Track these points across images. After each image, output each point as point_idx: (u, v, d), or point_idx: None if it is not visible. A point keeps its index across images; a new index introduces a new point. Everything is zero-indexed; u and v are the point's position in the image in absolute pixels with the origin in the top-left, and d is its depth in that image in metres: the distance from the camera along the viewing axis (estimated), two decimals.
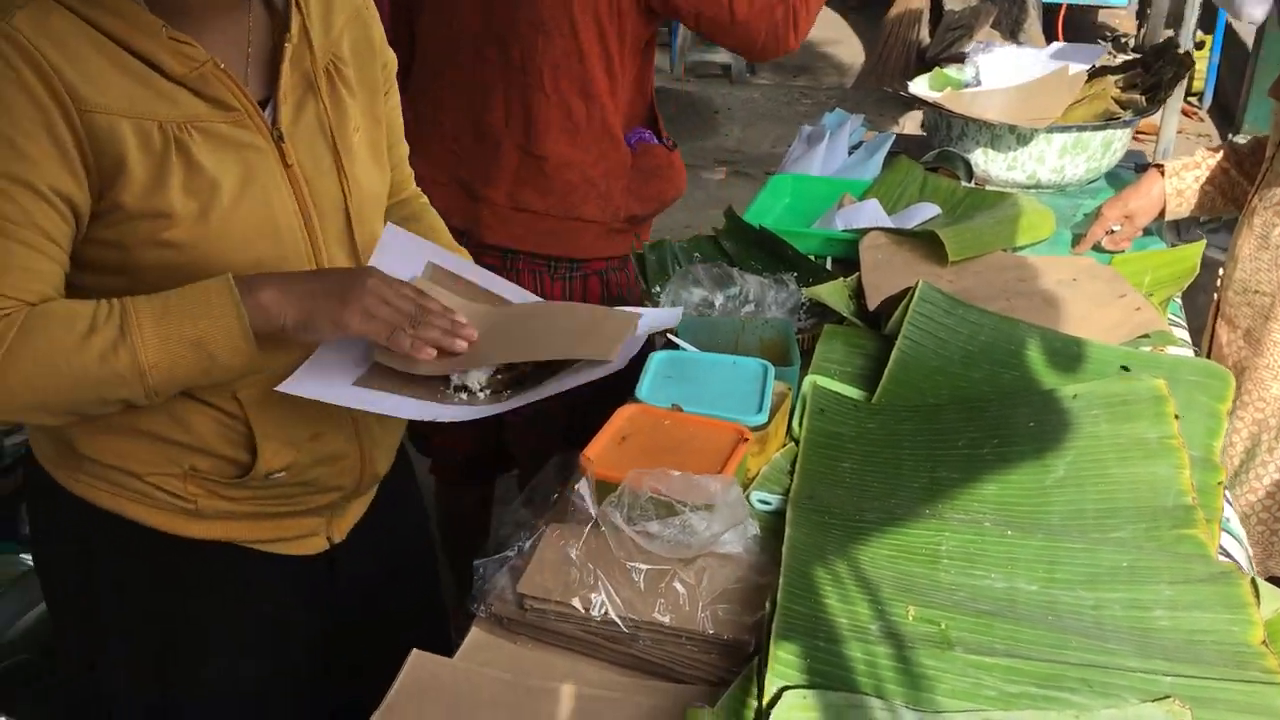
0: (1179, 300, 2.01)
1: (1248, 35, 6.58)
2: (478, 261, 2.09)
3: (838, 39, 8.47)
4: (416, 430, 2.12)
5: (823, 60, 8.26)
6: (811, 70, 8.12)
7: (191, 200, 1.15)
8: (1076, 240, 2.16)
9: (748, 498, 1.34)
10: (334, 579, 1.46)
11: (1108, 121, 2.41)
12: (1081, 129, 2.38)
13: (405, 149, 1.50)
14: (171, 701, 1.38)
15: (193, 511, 1.30)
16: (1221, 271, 2.06)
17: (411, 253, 1.35)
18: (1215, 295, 2.09)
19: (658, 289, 1.95)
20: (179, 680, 1.38)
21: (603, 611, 1.17)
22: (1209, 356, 2.02)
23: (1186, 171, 2.06)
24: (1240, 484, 1.93)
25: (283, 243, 1.22)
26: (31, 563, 2.08)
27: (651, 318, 1.39)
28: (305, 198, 1.24)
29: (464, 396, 1.27)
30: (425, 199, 1.57)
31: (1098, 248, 2.12)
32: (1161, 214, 2.09)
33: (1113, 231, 2.11)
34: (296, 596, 1.42)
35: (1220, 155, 2.05)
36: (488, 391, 1.27)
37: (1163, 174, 2.08)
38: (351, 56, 1.32)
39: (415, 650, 1.18)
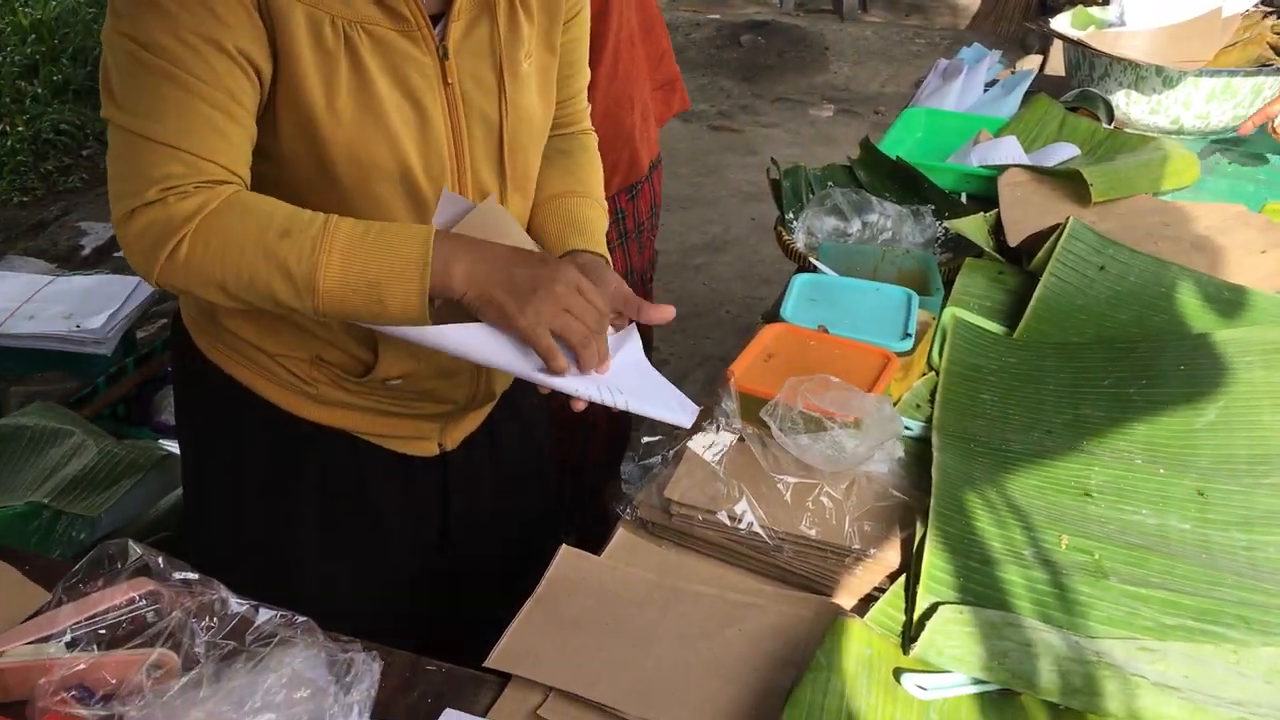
0: None
1: None
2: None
3: None
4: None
5: (937, 0, 8.05)
6: (924, 10, 7.92)
7: (353, 102, 1.15)
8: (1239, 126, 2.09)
9: None
10: (445, 484, 1.49)
11: (1261, 67, 2.32)
12: (1233, 74, 2.29)
13: (584, 81, 1.46)
14: (276, 571, 1.40)
15: (313, 396, 1.34)
16: None
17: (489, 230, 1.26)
18: None
19: (791, 215, 1.94)
20: (284, 548, 1.41)
21: (748, 524, 1.19)
22: None
23: None
24: None
25: (429, 157, 1.22)
26: (167, 449, 2.18)
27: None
28: (460, 118, 1.23)
29: None
30: (593, 139, 1.52)
31: (1267, 134, 2.03)
32: None
33: None
34: (404, 494, 1.45)
35: None
36: None
37: None
38: None
39: (565, 546, 1.21)
